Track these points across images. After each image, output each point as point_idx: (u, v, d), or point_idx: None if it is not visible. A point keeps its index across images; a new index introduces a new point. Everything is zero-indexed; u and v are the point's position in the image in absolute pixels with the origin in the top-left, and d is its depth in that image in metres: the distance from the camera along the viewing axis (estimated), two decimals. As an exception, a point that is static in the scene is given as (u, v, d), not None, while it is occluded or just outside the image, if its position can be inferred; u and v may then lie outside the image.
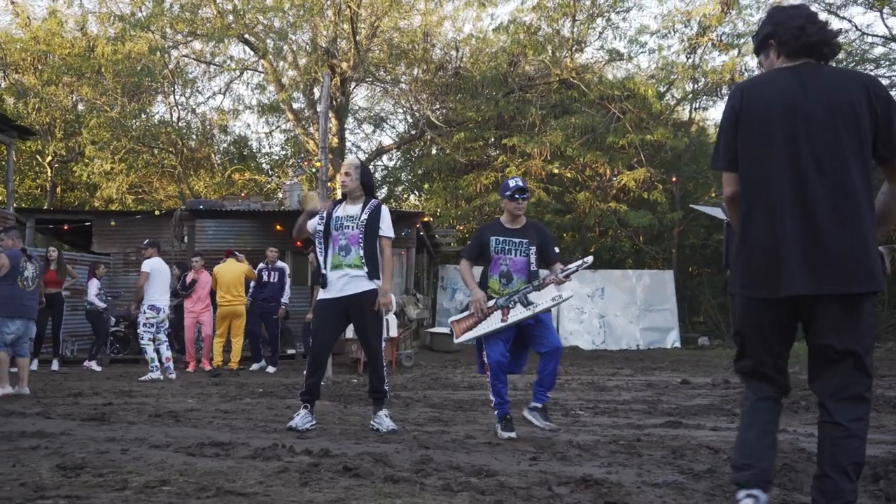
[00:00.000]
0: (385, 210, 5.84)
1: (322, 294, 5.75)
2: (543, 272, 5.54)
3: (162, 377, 9.92)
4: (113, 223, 15.04)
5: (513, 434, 5.30)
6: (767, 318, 2.90)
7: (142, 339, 10.12)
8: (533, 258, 5.49)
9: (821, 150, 2.77)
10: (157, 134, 21.44)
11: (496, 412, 5.48)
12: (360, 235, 5.65)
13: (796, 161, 2.79)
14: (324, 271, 5.72)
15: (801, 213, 2.77)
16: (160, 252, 10.65)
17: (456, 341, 5.56)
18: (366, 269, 5.64)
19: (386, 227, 5.79)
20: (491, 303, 5.42)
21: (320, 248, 5.75)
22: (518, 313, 5.31)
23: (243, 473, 3.90)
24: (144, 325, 10.13)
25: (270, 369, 11.36)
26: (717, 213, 4.40)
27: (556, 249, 5.67)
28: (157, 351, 10.12)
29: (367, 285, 5.66)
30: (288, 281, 11.80)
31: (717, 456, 4.49)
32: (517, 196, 5.52)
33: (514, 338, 5.46)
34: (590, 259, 5.65)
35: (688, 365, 13.24)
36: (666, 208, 20.17)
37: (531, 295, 5.35)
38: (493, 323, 5.35)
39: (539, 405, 5.41)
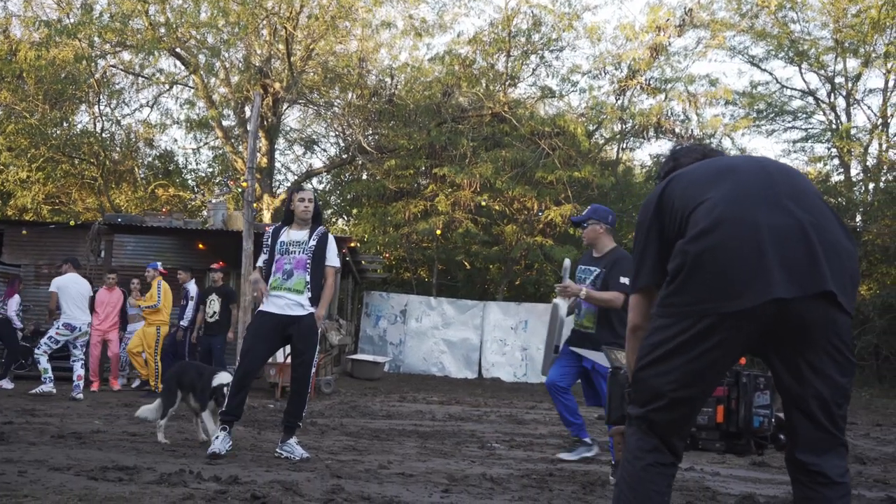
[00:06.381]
0: (332, 239, 5.77)
1: (263, 307, 5.63)
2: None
3: (54, 391, 9.59)
4: (25, 232, 14.47)
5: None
6: None
7: (38, 348, 9.77)
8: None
9: None
10: (79, 144, 20.73)
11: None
12: (308, 260, 5.58)
13: None
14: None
15: None
16: (77, 267, 10.40)
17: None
18: (308, 294, 5.56)
19: (332, 257, 5.71)
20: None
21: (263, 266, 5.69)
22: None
23: (146, 500, 3.78)
24: (50, 338, 9.80)
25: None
26: None
27: (623, 280, 5.07)
28: (72, 368, 9.81)
29: (307, 310, 5.56)
30: (189, 303, 11.40)
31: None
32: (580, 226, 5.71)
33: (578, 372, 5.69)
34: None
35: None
36: (590, 244, 20.41)
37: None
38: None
39: None
